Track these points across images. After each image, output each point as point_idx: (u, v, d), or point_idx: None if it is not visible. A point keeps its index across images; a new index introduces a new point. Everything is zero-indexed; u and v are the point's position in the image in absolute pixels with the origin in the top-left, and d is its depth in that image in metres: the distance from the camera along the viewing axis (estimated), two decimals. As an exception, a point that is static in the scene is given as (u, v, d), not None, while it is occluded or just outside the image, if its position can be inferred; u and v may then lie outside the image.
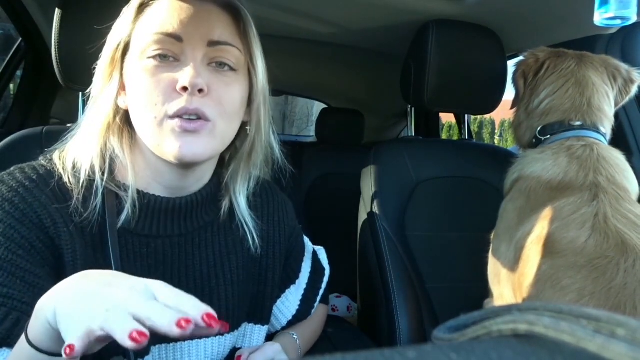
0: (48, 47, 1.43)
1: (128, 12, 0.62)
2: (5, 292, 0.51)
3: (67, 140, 0.64)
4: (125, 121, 0.63)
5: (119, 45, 0.61)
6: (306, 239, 0.89)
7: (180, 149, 0.57)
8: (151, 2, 0.61)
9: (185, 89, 0.56)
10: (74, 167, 0.61)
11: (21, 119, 1.70)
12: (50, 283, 0.47)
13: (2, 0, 1.35)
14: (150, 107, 0.57)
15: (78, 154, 0.61)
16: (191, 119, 0.57)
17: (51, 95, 1.83)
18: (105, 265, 0.59)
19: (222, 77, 0.60)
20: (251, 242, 0.71)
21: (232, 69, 0.61)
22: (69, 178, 0.60)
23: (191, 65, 0.57)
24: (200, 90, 0.57)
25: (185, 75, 0.56)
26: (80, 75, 0.92)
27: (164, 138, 0.57)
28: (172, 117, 0.56)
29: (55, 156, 0.63)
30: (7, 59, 1.73)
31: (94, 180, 0.60)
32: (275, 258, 0.76)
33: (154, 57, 0.58)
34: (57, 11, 0.89)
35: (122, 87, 0.62)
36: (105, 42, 0.63)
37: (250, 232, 0.71)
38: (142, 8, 0.61)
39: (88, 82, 0.94)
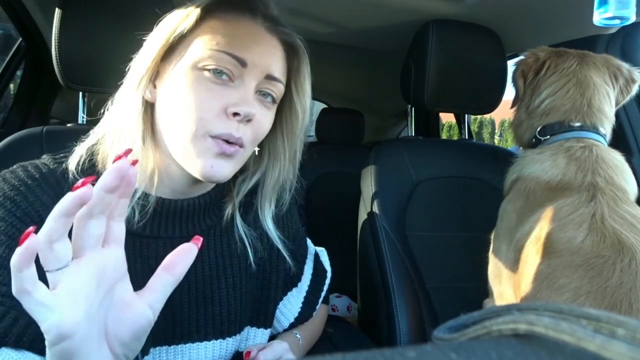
0: (48, 47, 1.43)
1: (192, 14, 0.59)
2: (5, 290, 0.51)
3: (86, 139, 0.63)
4: (150, 119, 0.62)
5: (168, 40, 0.59)
6: (308, 241, 0.89)
7: (212, 169, 0.57)
8: (219, 15, 0.60)
9: (236, 114, 0.57)
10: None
11: (21, 119, 1.70)
12: None
13: (2, 0, 1.35)
14: (194, 120, 0.56)
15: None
16: (230, 142, 0.57)
17: (51, 95, 1.82)
18: None
19: (264, 107, 0.62)
20: (252, 258, 0.71)
21: (274, 101, 0.63)
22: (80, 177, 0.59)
23: (246, 92, 0.58)
24: (249, 120, 0.58)
25: (240, 103, 0.57)
26: (80, 75, 0.92)
27: (196, 154, 0.57)
28: (214, 136, 0.57)
29: (76, 155, 0.61)
30: (7, 59, 1.73)
31: None
32: (279, 262, 0.76)
33: (210, 70, 0.57)
34: (57, 11, 0.89)
35: (152, 80, 0.61)
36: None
37: (251, 248, 0.71)
38: (207, 14, 0.60)
39: (88, 82, 0.95)
